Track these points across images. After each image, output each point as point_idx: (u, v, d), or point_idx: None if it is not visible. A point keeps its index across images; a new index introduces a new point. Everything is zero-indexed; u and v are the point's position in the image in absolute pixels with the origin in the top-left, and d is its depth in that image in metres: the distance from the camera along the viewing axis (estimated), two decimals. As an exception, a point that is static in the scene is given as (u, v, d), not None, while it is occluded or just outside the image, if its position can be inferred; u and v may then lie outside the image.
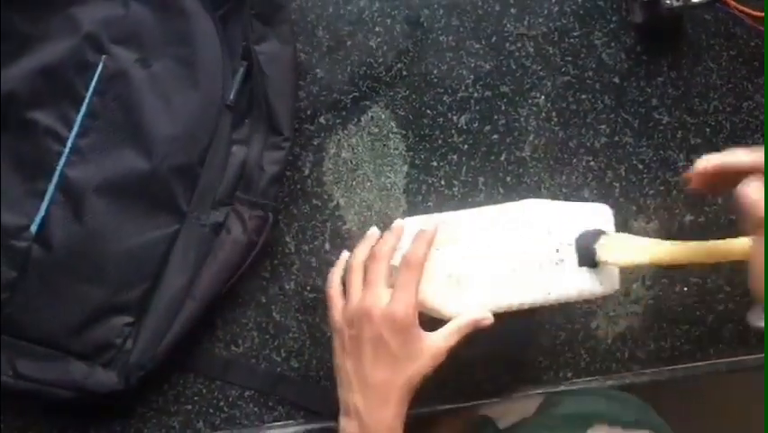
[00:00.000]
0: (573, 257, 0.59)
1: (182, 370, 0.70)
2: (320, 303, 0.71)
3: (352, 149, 0.71)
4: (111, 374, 0.62)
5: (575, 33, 0.72)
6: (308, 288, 0.71)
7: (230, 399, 0.71)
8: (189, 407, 0.71)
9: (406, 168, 0.72)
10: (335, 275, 0.61)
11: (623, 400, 0.72)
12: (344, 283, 0.60)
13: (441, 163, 0.72)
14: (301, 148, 0.70)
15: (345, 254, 0.62)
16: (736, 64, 0.74)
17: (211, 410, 0.71)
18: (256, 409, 0.72)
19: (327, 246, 0.71)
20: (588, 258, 0.58)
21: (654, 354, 0.75)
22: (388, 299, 0.55)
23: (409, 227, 0.60)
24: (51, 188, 0.62)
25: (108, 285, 0.62)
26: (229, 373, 0.71)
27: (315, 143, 0.71)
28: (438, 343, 0.55)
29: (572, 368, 0.75)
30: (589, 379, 0.75)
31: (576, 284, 0.59)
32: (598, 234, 0.58)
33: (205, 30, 0.62)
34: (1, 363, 0.62)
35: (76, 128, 0.62)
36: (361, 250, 0.59)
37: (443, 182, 0.72)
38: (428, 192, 0.72)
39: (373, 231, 0.61)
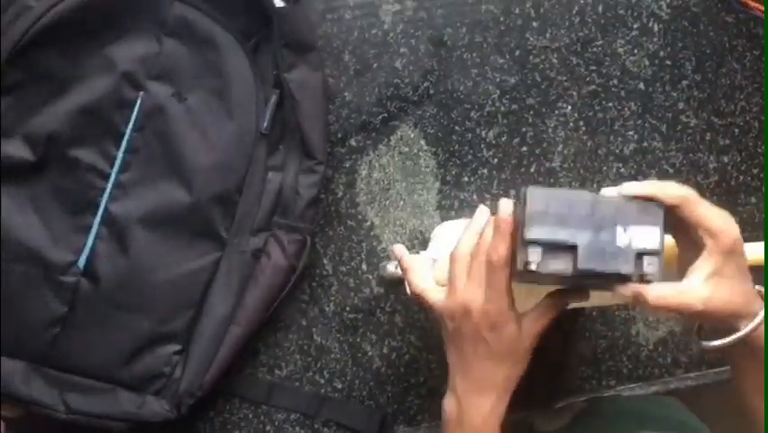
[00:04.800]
0: None
1: (228, 396, 0.71)
2: (360, 323, 0.72)
3: (384, 169, 0.72)
4: (162, 403, 0.63)
5: (598, 42, 0.73)
6: (347, 308, 0.72)
7: (276, 423, 0.72)
8: (236, 433, 0.72)
9: (437, 184, 0.73)
10: (414, 274, 0.58)
11: (664, 405, 0.72)
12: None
13: (472, 178, 0.73)
14: (333, 171, 0.72)
15: (399, 247, 0.60)
16: (759, 63, 0.74)
17: (258, 435, 0.72)
18: (302, 431, 0.72)
19: (364, 266, 0.72)
20: None
21: (697, 357, 0.75)
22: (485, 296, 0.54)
23: (449, 229, 0.61)
24: (96, 223, 0.63)
25: (155, 315, 0.63)
26: (274, 397, 0.71)
27: (347, 165, 0.72)
28: (532, 327, 0.55)
29: (615, 375, 0.74)
30: (632, 386, 0.74)
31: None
32: None
33: (237, 61, 0.64)
34: (53, 400, 0.64)
35: (117, 164, 0.63)
36: (467, 240, 0.55)
37: (474, 197, 0.73)
38: (461, 207, 0.73)
39: (479, 218, 0.55)
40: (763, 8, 0.71)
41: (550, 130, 0.73)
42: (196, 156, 0.63)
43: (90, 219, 0.63)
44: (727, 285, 0.49)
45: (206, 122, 0.64)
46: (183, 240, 0.64)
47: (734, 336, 0.49)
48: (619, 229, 0.47)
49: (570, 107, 0.73)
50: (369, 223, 0.72)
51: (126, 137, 0.63)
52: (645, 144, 0.74)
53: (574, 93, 0.73)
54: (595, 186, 0.73)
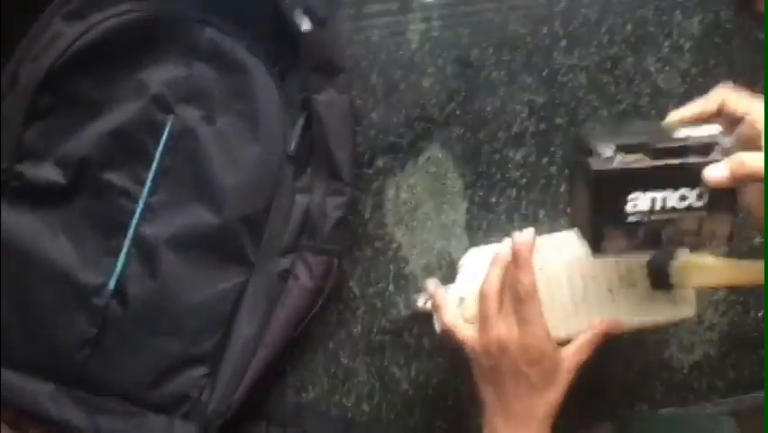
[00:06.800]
0: (646, 281, 0.57)
1: (255, 417, 0.71)
2: (387, 345, 0.72)
3: (411, 189, 0.72)
4: (190, 426, 0.63)
5: (628, 60, 0.72)
6: (374, 330, 0.72)
7: (303, 445, 0.71)
8: (263, 455, 0.71)
9: (465, 205, 0.72)
10: (445, 311, 0.58)
11: (698, 418, 0.70)
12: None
13: (500, 199, 0.72)
14: (361, 192, 0.71)
15: (433, 281, 0.60)
16: (794, 81, 0.73)
17: (285, 458, 0.71)
18: (329, 454, 0.71)
19: (391, 288, 0.72)
20: (661, 280, 0.57)
21: (734, 382, 0.73)
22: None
23: (477, 258, 0.60)
24: (127, 245, 0.64)
25: (183, 337, 0.63)
26: (301, 420, 0.71)
27: (375, 186, 0.72)
28: (572, 360, 0.55)
29: (647, 400, 0.73)
30: (666, 411, 0.72)
31: (650, 308, 0.57)
32: (671, 254, 0.57)
33: (265, 85, 0.64)
34: (82, 422, 0.64)
35: (147, 186, 0.64)
36: (494, 276, 0.56)
37: (503, 217, 0.72)
38: (489, 228, 0.72)
39: (504, 252, 0.56)
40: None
41: (579, 150, 0.72)
42: (225, 178, 0.64)
43: (120, 241, 0.64)
44: None
45: (235, 144, 0.64)
46: (211, 262, 0.64)
47: None
48: (679, 131, 0.48)
49: (599, 127, 0.72)
50: (396, 244, 0.72)
51: (156, 160, 0.64)
52: (677, 164, 0.72)
53: (604, 112, 0.72)
54: (626, 206, 0.72)
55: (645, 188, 0.47)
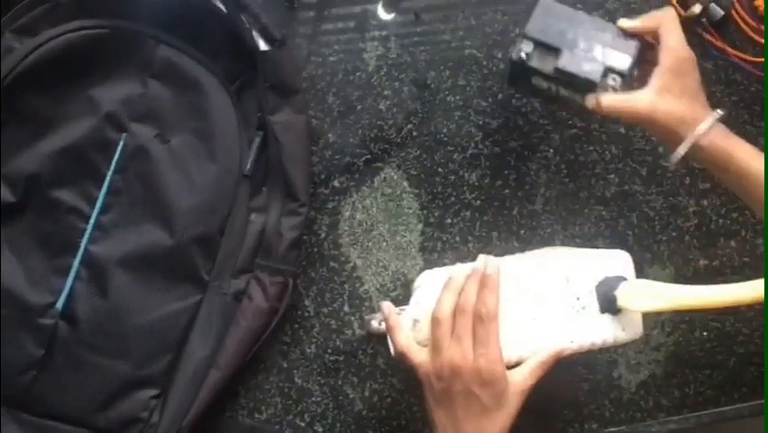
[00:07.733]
0: (595, 304, 0.59)
1: (206, 439, 0.70)
2: (342, 365, 0.72)
3: (367, 210, 0.72)
4: (139, 449, 0.62)
5: (579, 87, 0.74)
6: (329, 350, 0.71)
7: (255, 467, 0.71)
8: (215, 477, 0.70)
9: (420, 226, 0.73)
10: (399, 334, 0.58)
11: None
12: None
13: (454, 220, 0.73)
14: (316, 212, 0.72)
15: (387, 304, 0.60)
16: (737, 109, 0.75)
17: (236, 479, 0.71)
18: (282, 475, 0.71)
19: (346, 308, 0.72)
20: (609, 305, 0.59)
21: (679, 400, 0.74)
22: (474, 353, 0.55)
23: (430, 280, 0.61)
24: (76, 264, 0.63)
25: (133, 359, 0.62)
26: (254, 441, 0.70)
27: (330, 207, 0.72)
28: (523, 383, 0.56)
29: (597, 419, 0.74)
30: (614, 430, 0.74)
31: (599, 331, 0.59)
32: (619, 280, 0.59)
33: (221, 103, 0.64)
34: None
35: (98, 205, 0.63)
36: (447, 300, 0.56)
37: (457, 238, 0.73)
38: (443, 249, 0.73)
39: (456, 277, 0.57)
40: (740, 54, 0.73)
41: (532, 173, 0.74)
42: (179, 198, 0.63)
43: (70, 261, 0.63)
44: (673, 99, 0.56)
45: (189, 163, 0.64)
46: (163, 282, 0.63)
47: (684, 145, 0.57)
48: (598, 47, 0.59)
49: (551, 150, 0.74)
50: (351, 264, 0.72)
51: (108, 179, 0.63)
52: (626, 187, 0.74)
53: (556, 136, 0.74)
54: (577, 228, 0.74)
55: (543, 79, 0.62)
